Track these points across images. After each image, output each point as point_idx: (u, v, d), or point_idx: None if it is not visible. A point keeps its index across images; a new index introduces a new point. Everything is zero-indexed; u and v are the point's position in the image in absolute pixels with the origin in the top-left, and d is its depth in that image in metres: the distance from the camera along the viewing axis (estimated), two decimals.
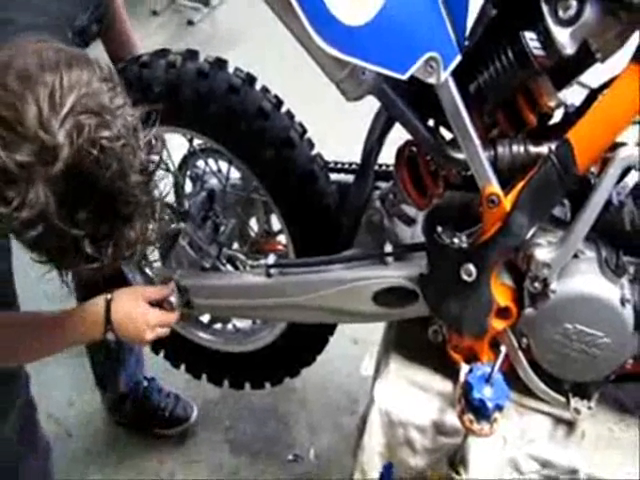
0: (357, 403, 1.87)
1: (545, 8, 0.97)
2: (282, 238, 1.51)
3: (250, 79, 1.32)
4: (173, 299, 1.33)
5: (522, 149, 1.08)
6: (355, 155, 1.31)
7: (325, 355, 1.56)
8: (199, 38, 3.20)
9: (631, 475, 1.15)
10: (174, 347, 1.71)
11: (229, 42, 3.13)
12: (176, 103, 1.33)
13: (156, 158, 0.88)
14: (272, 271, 1.33)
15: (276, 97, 1.34)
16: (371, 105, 1.20)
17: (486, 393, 1.07)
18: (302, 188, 1.33)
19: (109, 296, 1.16)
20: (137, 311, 1.19)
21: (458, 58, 1.01)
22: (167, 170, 1.44)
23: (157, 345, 1.73)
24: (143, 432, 1.93)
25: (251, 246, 1.55)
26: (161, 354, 1.74)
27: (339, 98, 1.06)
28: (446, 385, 1.25)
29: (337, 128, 2.34)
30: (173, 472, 1.86)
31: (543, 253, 1.08)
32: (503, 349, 1.16)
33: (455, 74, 1.02)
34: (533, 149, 1.08)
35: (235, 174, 1.48)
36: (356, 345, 2.02)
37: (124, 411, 1.91)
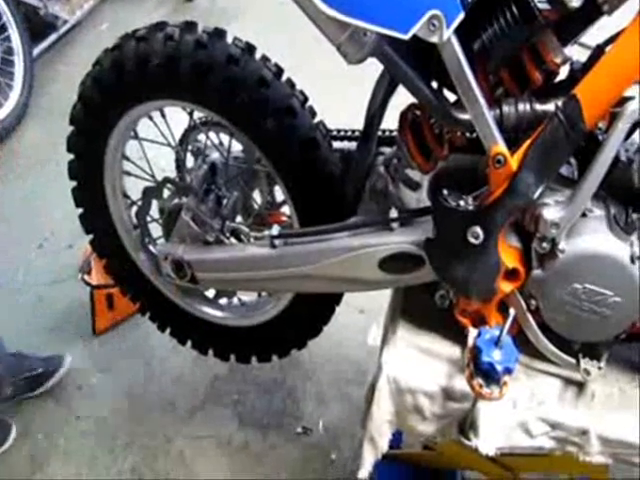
0: (365, 373, 1.83)
1: None
2: (286, 209, 1.50)
3: (249, 48, 1.31)
4: None
5: (528, 107, 1.07)
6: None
7: (331, 326, 1.56)
8: (198, 13, 3.17)
9: None
10: (180, 324, 1.70)
11: (229, 16, 3.11)
12: (175, 76, 1.31)
13: None
14: (276, 242, 1.33)
15: (276, 65, 1.32)
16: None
17: (495, 356, 1.07)
18: (304, 157, 1.31)
19: None
20: None
21: (461, 15, 0.99)
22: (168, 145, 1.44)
23: (163, 322, 1.73)
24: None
25: (255, 218, 1.54)
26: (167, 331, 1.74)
27: (344, 68, 1.04)
28: (454, 350, 1.25)
29: (344, 98, 2.31)
30: (182, 449, 1.86)
31: (551, 212, 1.07)
32: (511, 312, 1.15)
33: (458, 32, 1.00)
34: (539, 107, 1.07)
35: (237, 146, 1.47)
36: (363, 315, 2.01)
37: (6, 394, 1.94)
